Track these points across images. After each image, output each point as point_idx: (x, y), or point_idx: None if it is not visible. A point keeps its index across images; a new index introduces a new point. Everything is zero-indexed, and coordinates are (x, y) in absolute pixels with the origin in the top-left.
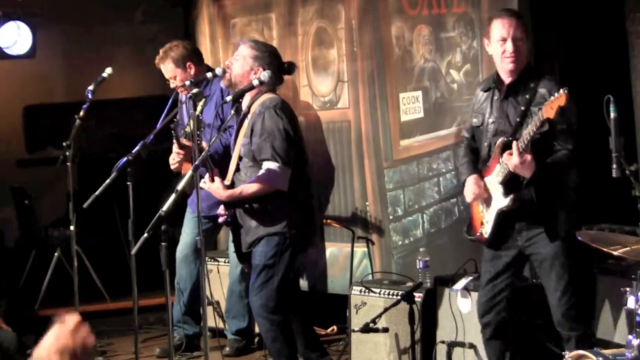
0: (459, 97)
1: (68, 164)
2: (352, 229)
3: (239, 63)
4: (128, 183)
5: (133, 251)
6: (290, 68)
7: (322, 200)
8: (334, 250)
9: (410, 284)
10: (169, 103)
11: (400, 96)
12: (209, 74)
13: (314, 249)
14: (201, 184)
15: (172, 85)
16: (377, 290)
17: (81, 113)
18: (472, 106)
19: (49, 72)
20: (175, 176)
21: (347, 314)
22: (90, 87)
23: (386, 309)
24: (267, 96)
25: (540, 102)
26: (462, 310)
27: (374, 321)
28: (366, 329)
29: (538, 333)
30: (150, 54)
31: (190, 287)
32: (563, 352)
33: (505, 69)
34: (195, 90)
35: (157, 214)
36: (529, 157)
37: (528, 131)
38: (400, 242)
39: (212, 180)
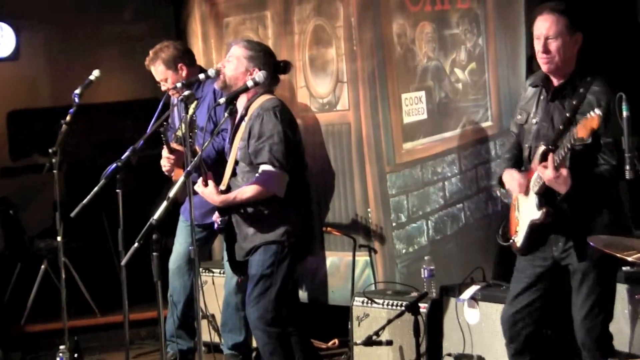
0: (464, 97)
1: (54, 171)
2: (354, 237)
3: (232, 64)
4: (117, 191)
5: (123, 262)
6: (286, 67)
7: (321, 206)
8: (335, 259)
9: (414, 294)
10: (160, 106)
11: (402, 97)
12: (202, 76)
13: (314, 258)
14: (195, 187)
15: (163, 88)
16: (380, 301)
17: (68, 118)
18: (518, 101)
19: (33, 75)
20: (167, 183)
21: (349, 326)
22: (77, 91)
23: (390, 321)
24: (265, 97)
25: (587, 110)
26: (469, 321)
27: (377, 333)
28: (369, 341)
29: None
30: (140, 55)
31: (183, 300)
32: None
33: (542, 68)
34: (187, 93)
35: (148, 223)
36: (564, 172)
37: (564, 145)
38: (404, 250)
39: (206, 185)
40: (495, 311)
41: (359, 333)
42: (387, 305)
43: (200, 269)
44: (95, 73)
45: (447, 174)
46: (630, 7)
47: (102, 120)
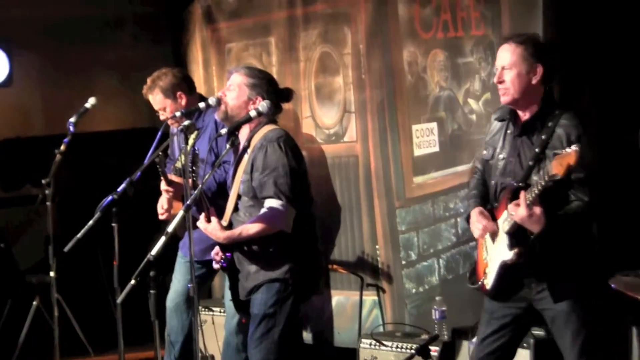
0: (478, 129)
1: (47, 203)
2: (361, 275)
3: (234, 93)
4: (113, 224)
5: (119, 300)
6: (290, 94)
7: (327, 243)
8: (341, 298)
9: (425, 336)
10: (158, 136)
11: (413, 128)
12: (202, 105)
13: (319, 297)
14: (197, 223)
15: (161, 117)
16: (389, 344)
17: (62, 147)
18: (485, 136)
19: (26, 102)
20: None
21: None
22: (72, 119)
23: None
24: (268, 128)
25: (557, 145)
26: None
27: None
28: None
29: None
30: (138, 82)
31: (182, 340)
32: None
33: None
34: (186, 122)
35: (145, 259)
36: (538, 210)
37: (537, 182)
38: (414, 290)
39: (209, 220)
40: None
41: None
42: (396, 347)
43: (200, 308)
44: (91, 101)
45: (460, 209)
46: None
47: (98, 150)
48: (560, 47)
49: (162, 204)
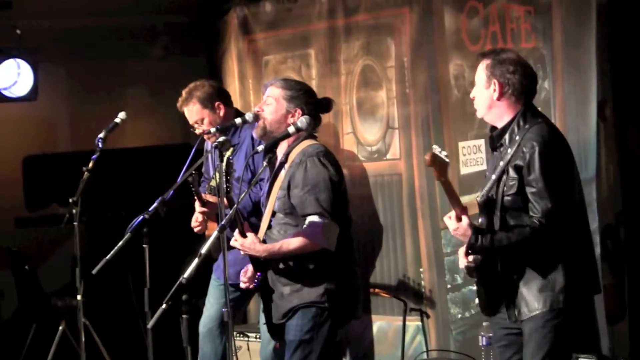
0: None
1: (75, 223)
2: (404, 300)
3: (271, 107)
4: (144, 246)
5: (149, 325)
6: (329, 105)
7: (368, 265)
8: (383, 324)
9: None
10: (192, 152)
11: (459, 145)
12: (238, 120)
13: (359, 322)
14: (232, 242)
15: (197, 131)
16: None
17: (90, 164)
18: None
19: (52, 117)
20: (198, 238)
21: None
22: (101, 135)
23: None
24: (307, 143)
25: (519, 159)
26: None
27: None
28: None
29: None
30: (170, 96)
31: None
32: None
33: None
34: (222, 139)
35: (178, 282)
36: (464, 223)
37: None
38: (459, 315)
39: (244, 236)
40: None
41: None
42: None
43: (234, 333)
44: (121, 115)
45: None
46: None
47: (128, 167)
48: (615, 59)
49: (197, 217)
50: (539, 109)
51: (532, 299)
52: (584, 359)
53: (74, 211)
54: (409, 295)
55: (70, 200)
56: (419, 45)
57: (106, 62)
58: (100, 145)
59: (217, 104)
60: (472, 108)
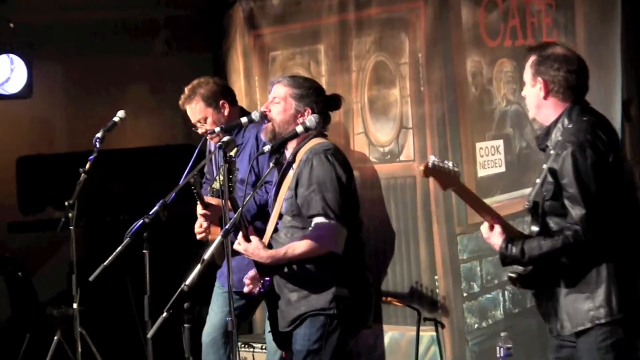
0: None
1: (71, 227)
2: (418, 309)
3: (279, 107)
4: (144, 251)
5: (150, 334)
6: (338, 102)
7: (380, 272)
8: (395, 334)
9: None
10: (195, 153)
11: (476, 146)
12: (244, 120)
13: (369, 331)
14: (235, 246)
15: (200, 131)
16: None
17: (87, 166)
18: None
19: (47, 116)
20: (201, 243)
21: None
22: (99, 135)
23: None
24: (316, 141)
25: (555, 162)
26: None
27: None
28: None
29: None
30: (171, 94)
31: None
32: None
33: None
34: (226, 139)
35: (179, 289)
36: (498, 229)
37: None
38: (476, 325)
39: (248, 240)
40: None
41: None
42: None
43: (239, 343)
44: (120, 114)
45: None
46: None
47: (127, 169)
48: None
49: (201, 222)
50: None
51: (574, 312)
52: None
53: (70, 215)
54: (423, 304)
55: (67, 203)
56: (434, 40)
57: (105, 58)
58: (98, 145)
59: (221, 102)
60: (490, 106)
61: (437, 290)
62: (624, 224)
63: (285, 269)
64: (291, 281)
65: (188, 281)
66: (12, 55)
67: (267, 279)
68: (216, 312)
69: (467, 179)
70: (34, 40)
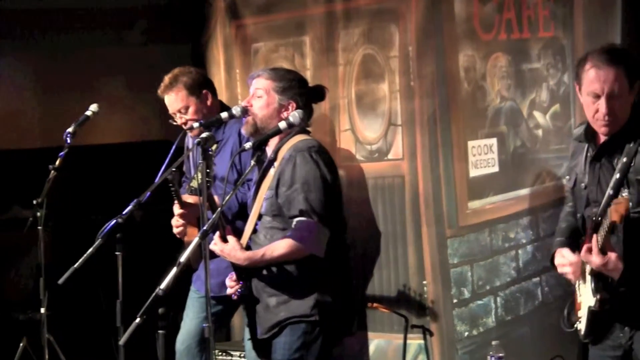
0: (544, 146)
1: (39, 228)
2: (405, 315)
3: (261, 101)
4: (117, 253)
5: (122, 341)
6: (322, 93)
7: (366, 276)
8: (381, 342)
9: None
10: (173, 149)
11: (469, 144)
12: (224, 115)
13: (354, 339)
14: (210, 246)
15: (179, 121)
16: None
17: (57, 162)
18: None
19: (15, 109)
20: (177, 245)
21: None
22: (70, 129)
23: None
24: (299, 138)
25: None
26: None
27: None
28: None
29: None
30: (148, 87)
31: None
32: None
33: (597, 130)
34: (205, 134)
35: (154, 294)
36: (612, 256)
37: (604, 225)
38: (466, 333)
39: (224, 241)
40: None
41: None
42: None
43: (216, 351)
44: (93, 108)
45: (522, 240)
46: None
47: (100, 166)
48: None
49: (175, 222)
50: (557, 105)
51: None
52: None
53: (38, 214)
54: (411, 311)
55: (35, 202)
56: (425, 33)
57: (78, 49)
58: (68, 140)
59: (204, 91)
60: (483, 103)
61: (426, 296)
62: None
63: (264, 272)
64: (270, 285)
65: (163, 285)
66: None
67: (242, 282)
68: (191, 318)
69: (458, 179)
70: (1, 29)
